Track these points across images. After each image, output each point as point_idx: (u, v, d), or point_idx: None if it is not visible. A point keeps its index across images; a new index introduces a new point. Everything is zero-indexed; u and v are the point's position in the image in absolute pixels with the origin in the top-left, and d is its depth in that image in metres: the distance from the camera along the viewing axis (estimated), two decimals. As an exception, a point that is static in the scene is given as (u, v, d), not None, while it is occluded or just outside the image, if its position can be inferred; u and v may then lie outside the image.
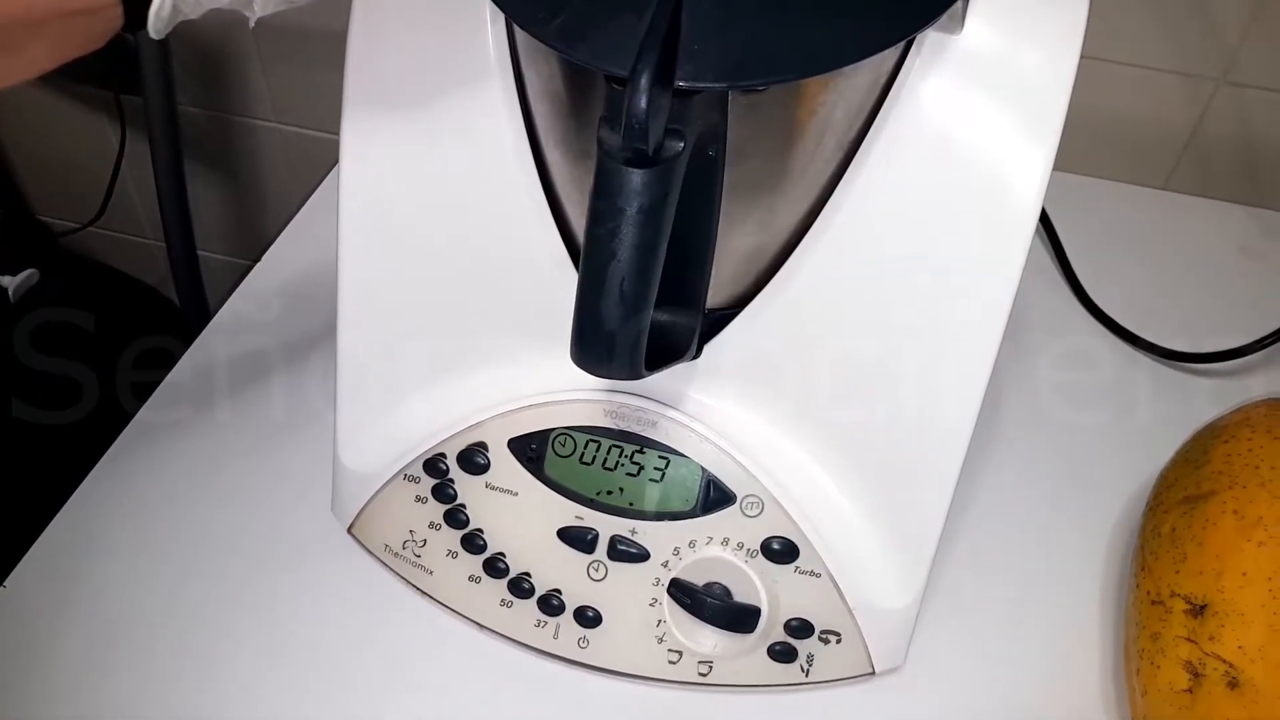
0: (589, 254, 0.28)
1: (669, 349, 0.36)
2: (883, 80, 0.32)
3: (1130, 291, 0.57)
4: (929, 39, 0.31)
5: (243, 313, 0.55)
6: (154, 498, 0.45)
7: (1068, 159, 0.64)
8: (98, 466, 0.46)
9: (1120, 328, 0.55)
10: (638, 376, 0.31)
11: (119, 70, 0.78)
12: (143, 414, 0.49)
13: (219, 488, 0.46)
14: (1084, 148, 0.65)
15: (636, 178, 0.27)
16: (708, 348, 0.38)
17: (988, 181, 0.32)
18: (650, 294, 0.29)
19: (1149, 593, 0.37)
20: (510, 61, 0.35)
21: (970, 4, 0.31)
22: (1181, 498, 0.38)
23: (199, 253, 0.93)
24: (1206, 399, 0.51)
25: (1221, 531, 0.36)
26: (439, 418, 0.39)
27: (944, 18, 0.29)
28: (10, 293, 0.77)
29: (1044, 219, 0.61)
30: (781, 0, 0.27)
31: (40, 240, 0.92)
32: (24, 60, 0.24)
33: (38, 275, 0.80)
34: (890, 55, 0.31)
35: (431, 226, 0.38)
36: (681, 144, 0.27)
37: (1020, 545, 0.45)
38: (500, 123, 0.36)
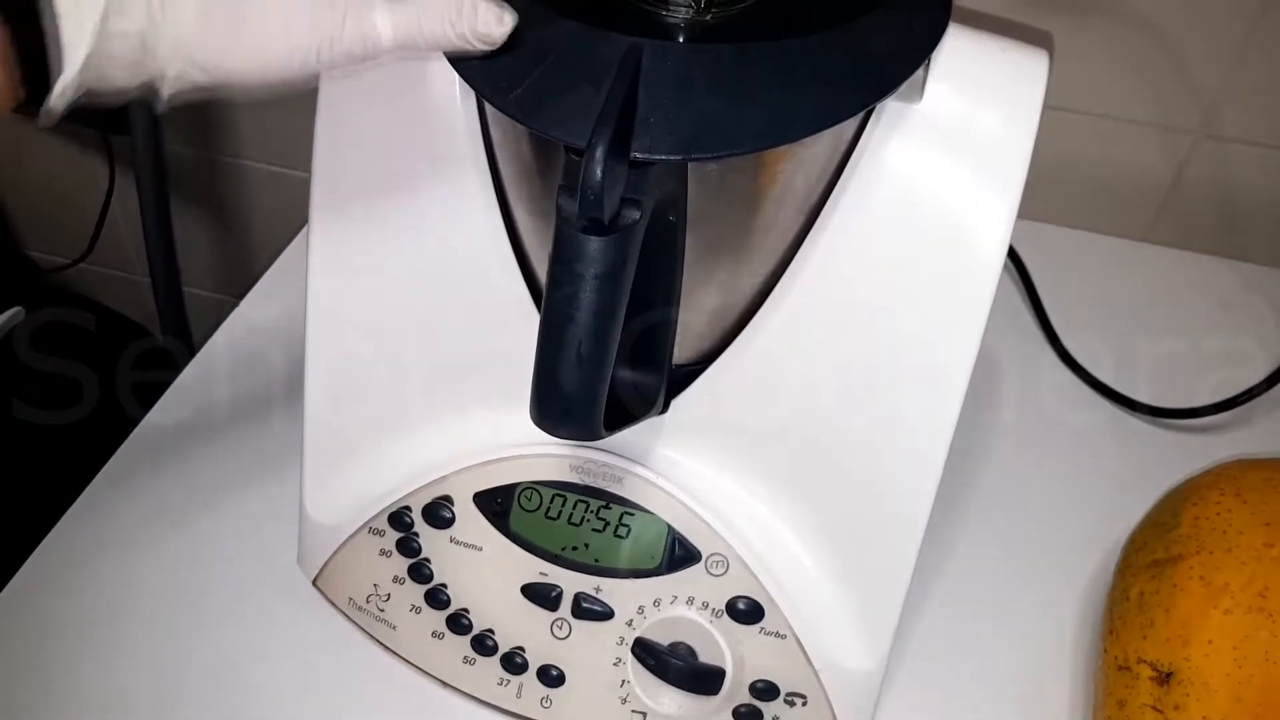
0: (547, 318, 0.28)
1: (633, 407, 0.36)
2: (843, 147, 0.32)
3: (1107, 344, 0.57)
4: (889, 107, 0.31)
5: (222, 352, 0.55)
6: (122, 542, 0.45)
7: (1045, 209, 0.66)
8: (66, 515, 0.46)
9: (1096, 381, 0.55)
10: (596, 437, 0.31)
11: (106, 111, 0.78)
12: (114, 462, 0.48)
13: (188, 535, 0.45)
14: (1063, 199, 0.66)
15: (593, 245, 0.27)
16: (675, 403, 0.38)
17: (949, 244, 0.32)
18: (607, 357, 0.29)
19: (1116, 658, 0.37)
20: (479, 123, 0.35)
21: (930, 72, 0.31)
22: (1150, 561, 0.38)
23: (186, 289, 0.93)
24: (1182, 456, 0.51)
25: (1189, 598, 0.36)
26: (404, 470, 0.39)
27: (903, 87, 0.30)
28: (-6, 330, 0.77)
29: (1020, 269, 0.61)
30: (738, 73, 0.27)
31: (27, 276, 0.92)
32: None
33: (23, 313, 0.80)
34: (850, 124, 0.31)
35: (399, 280, 0.38)
36: (638, 213, 0.28)
37: (989, 605, 0.44)
38: (469, 181, 0.36)
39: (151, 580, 0.44)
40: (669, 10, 0.30)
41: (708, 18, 0.30)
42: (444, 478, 0.38)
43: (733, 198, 0.32)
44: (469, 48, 0.27)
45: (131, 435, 0.50)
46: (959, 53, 0.31)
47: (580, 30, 0.28)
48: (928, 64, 0.31)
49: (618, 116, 0.26)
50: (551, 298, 0.28)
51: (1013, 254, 0.62)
